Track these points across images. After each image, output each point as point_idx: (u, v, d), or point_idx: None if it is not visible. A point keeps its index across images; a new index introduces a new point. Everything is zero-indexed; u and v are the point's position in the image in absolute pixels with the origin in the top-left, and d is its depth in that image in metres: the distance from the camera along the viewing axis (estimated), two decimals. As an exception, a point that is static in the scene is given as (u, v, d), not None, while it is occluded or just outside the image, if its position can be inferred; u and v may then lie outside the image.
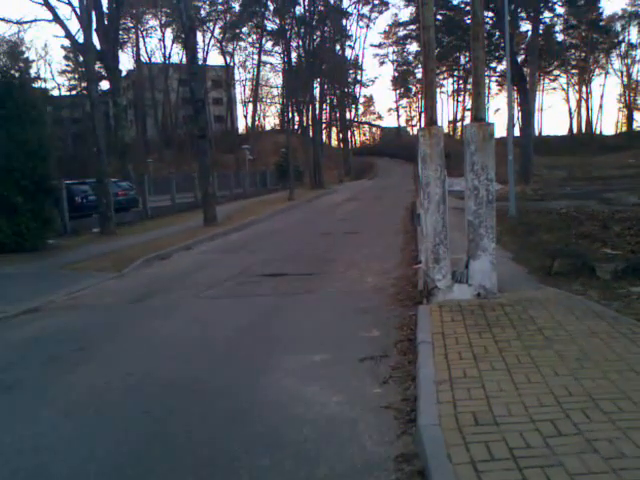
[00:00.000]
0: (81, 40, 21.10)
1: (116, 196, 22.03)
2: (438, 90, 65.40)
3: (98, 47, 24.99)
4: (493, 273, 7.38)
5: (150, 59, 72.92)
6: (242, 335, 6.95)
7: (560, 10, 47.67)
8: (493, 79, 65.47)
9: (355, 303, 8.09)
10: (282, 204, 29.21)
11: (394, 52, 79.28)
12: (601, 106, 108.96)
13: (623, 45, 72.22)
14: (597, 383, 4.43)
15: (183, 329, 7.47)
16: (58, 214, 17.35)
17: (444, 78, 73.33)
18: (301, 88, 46.19)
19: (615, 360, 4.89)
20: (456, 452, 3.53)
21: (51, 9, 22.28)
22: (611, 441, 3.53)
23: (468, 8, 40.20)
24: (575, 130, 77.59)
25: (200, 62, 47.37)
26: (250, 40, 66.26)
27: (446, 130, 64.73)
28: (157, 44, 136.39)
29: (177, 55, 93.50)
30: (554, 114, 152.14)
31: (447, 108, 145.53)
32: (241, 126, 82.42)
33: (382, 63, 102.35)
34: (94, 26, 22.35)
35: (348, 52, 68.24)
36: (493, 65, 49.87)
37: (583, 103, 78.37)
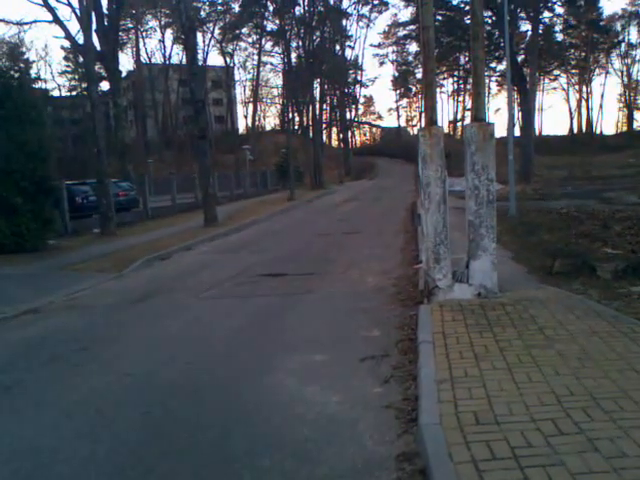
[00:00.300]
0: (81, 41, 21.10)
1: (116, 196, 22.03)
2: (438, 90, 65.55)
3: (98, 48, 24.99)
4: (494, 273, 7.38)
5: (150, 60, 72.99)
6: (242, 335, 6.95)
7: (560, 10, 47.72)
8: (493, 79, 65.54)
9: (356, 303, 8.09)
10: (282, 204, 29.22)
11: (394, 52, 79.28)
12: (601, 106, 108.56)
13: (623, 45, 72.25)
14: (598, 382, 4.43)
15: (184, 329, 7.46)
16: (58, 215, 17.36)
17: (444, 78, 73.31)
18: (301, 88, 46.19)
19: (616, 359, 4.89)
20: (457, 451, 3.53)
21: (51, 10, 22.26)
22: (612, 440, 3.52)
23: (468, 8, 40.19)
24: (575, 130, 77.57)
25: (200, 63, 47.42)
26: (250, 40, 66.34)
27: (446, 130, 64.60)
28: (157, 45, 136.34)
29: (177, 56, 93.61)
30: (554, 114, 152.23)
31: (447, 108, 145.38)
32: (241, 126, 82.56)
33: (382, 63, 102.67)
34: (94, 27, 22.36)
35: (348, 52, 68.35)
36: (493, 65, 49.95)
37: (583, 103, 78.35)
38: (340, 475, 3.62)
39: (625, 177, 32.02)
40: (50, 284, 10.86)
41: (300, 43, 47.39)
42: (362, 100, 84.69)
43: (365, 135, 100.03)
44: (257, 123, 79.51)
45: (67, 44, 54.23)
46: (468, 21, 40.53)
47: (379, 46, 78.16)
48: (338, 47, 61.06)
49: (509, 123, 19.95)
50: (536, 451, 3.47)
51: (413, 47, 72.32)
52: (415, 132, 79.08)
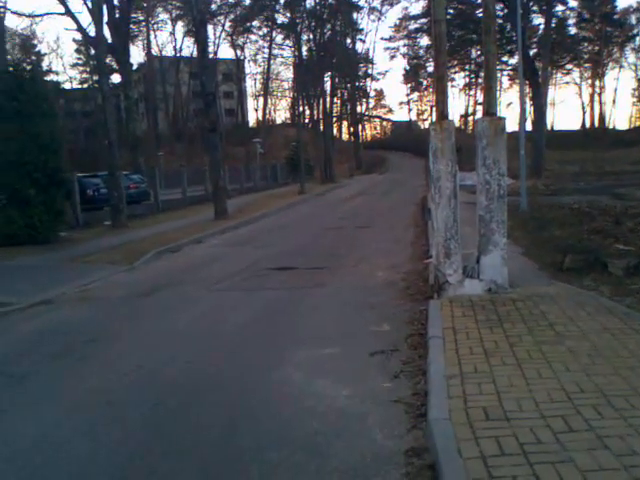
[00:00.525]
0: (92, 33, 21.17)
1: (127, 189, 22.10)
2: (449, 84, 65.22)
3: (109, 40, 25.09)
4: (504, 268, 7.35)
5: (161, 52, 73.19)
6: (252, 328, 6.98)
7: (573, 3, 47.36)
8: (505, 73, 64.93)
9: (365, 297, 8.10)
10: (292, 198, 29.24)
11: (405, 46, 78.73)
12: (614, 100, 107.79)
13: (637, 38, 71.36)
14: (609, 379, 4.41)
15: (193, 322, 7.51)
16: (70, 207, 17.47)
17: (455, 72, 72.75)
18: (312, 82, 46.10)
19: (627, 356, 4.87)
20: (466, 447, 3.53)
21: (63, 2, 22.38)
22: (622, 438, 3.51)
23: (480, 1, 39.96)
24: (588, 124, 76.91)
25: (211, 55, 47.36)
26: (261, 33, 66.26)
27: (457, 124, 64.38)
28: (168, 37, 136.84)
29: (188, 48, 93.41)
30: (566, 108, 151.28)
31: (458, 102, 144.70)
32: (252, 119, 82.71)
33: (393, 57, 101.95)
34: (105, 19, 22.45)
35: (359, 46, 68.07)
36: (505, 59, 49.42)
37: (596, 97, 77.51)
38: (350, 469, 3.63)
39: (638, 173, 31.72)
40: (62, 276, 10.94)
41: (311, 36, 47.35)
42: (373, 94, 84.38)
43: (376, 129, 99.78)
44: (267, 116, 79.55)
45: (79, 36, 54.57)
46: (480, 14, 40.28)
47: (390, 39, 77.69)
48: (349, 40, 60.90)
49: (521, 117, 19.89)
50: (545, 448, 3.47)
51: (424, 41, 71.75)
52: (426, 126, 78.74)
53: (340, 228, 16.42)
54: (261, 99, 78.16)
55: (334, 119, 61.53)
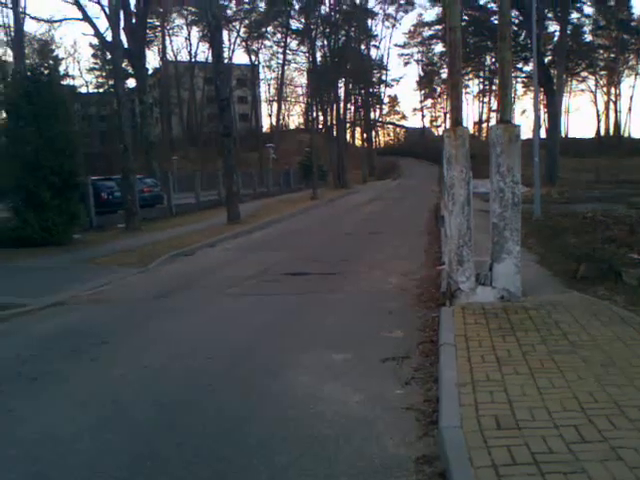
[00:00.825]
0: (109, 38, 21.44)
1: (141, 193, 22.25)
2: (463, 91, 65.00)
3: (126, 45, 25.32)
4: (517, 276, 7.31)
5: (176, 57, 73.75)
6: (263, 332, 6.99)
7: (589, 10, 47.11)
8: (519, 80, 64.75)
9: (377, 303, 8.09)
10: (305, 203, 29.28)
11: (419, 52, 79.02)
12: (630, 108, 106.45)
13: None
14: (623, 390, 4.37)
15: (205, 325, 7.54)
16: (84, 209, 17.57)
17: (469, 79, 72.81)
18: (326, 87, 46.20)
19: (641, 367, 4.82)
20: (478, 455, 3.51)
21: (81, 8, 22.72)
22: (637, 450, 3.47)
23: (495, 8, 39.91)
24: (603, 132, 76.33)
25: (226, 61, 47.64)
26: (275, 39, 66.58)
27: (471, 131, 64.17)
28: (183, 42, 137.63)
29: (203, 54, 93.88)
30: (581, 116, 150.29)
31: (472, 109, 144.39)
32: (265, 125, 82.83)
33: (407, 63, 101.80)
34: (122, 25, 22.68)
35: (373, 52, 68.20)
36: (519, 66, 49.30)
37: (611, 105, 76.94)
38: (359, 475, 3.62)
39: (654, 181, 31.43)
40: (76, 277, 11.02)
41: (325, 42, 47.42)
42: (386, 100, 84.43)
43: (389, 135, 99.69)
44: (281, 122, 79.87)
45: (96, 41, 55.08)
46: (495, 21, 40.22)
47: (404, 46, 78.01)
48: (363, 47, 60.94)
49: (535, 125, 19.73)
50: (558, 457, 3.44)
51: (438, 47, 72.04)
52: (439, 133, 78.64)
53: (353, 234, 16.42)
54: (275, 104, 78.67)
55: (347, 125, 61.60)
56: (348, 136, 66.86)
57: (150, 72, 56.83)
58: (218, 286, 9.89)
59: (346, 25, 50.08)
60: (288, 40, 63.70)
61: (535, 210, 16.20)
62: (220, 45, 23.31)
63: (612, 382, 4.53)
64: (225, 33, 59.09)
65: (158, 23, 65.92)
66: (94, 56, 71.27)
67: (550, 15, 39.12)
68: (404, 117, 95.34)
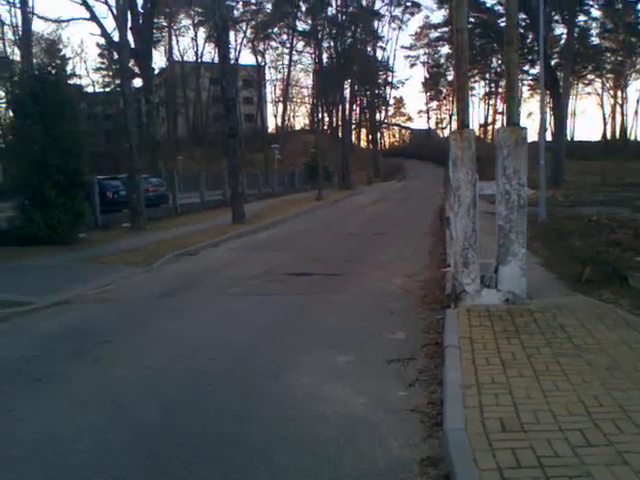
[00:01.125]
0: (116, 38, 21.51)
1: (146, 192, 22.26)
2: (469, 93, 64.93)
3: (132, 45, 25.38)
4: (522, 279, 7.29)
5: (182, 58, 73.80)
6: (266, 333, 6.99)
7: (596, 13, 47.00)
8: (525, 83, 64.63)
9: (382, 304, 8.08)
10: (310, 204, 29.28)
11: (425, 54, 78.98)
12: (637, 111, 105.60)
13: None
14: (628, 394, 4.35)
15: (208, 324, 7.54)
16: (89, 208, 17.61)
17: (475, 81, 72.70)
18: (331, 88, 46.21)
19: (647, 371, 4.80)
20: (482, 458, 3.50)
21: (89, 8, 22.76)
22: (642, 453, 3.46)
23: (502, 10, 39.86)
24: (609, 136, 76.07)
25: (232, 61, 47.70)
26: (281, 40, 66.65)
27: (477, 133, 64.12)
28: (190, 43, 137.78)
29: (209, 54, 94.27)
30: (587, 119, 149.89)
31: (478, 111, 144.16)
32: (271, 125, 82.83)
33: (413, 65, 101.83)
34: (129, 25, 22.71)
35: (379, 53, 68.14)
36: (525, 68, 49.29)
37: (618, 108, 76.68)
38: (363, 476, 3.61)
39: (660, 185, 31.30)
40: (81, 276, 11.04)
41: (331, 43, 47.43)
42: (392, 101, 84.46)
43: (394, 136, 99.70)
44: (286, 122, 79.88)
45: (103, 41, 55.29)
46: (502, 24, 40.17)
47: (410, 48, 77.95)
48: (369, 48, 60.95)
49: (541, 128, 19.68)
50: (563, 461, 3.42)
51: (445, 49, 72.08)
52: (445, 134, 78.62)
53: (357, 235, 16.41)
54: (280, 105, 78.65)
55: (353, 126, 61.62)
56: (353, 137, 66.93)
57: (156, 72, 57.05)
58: (221, 286, 9.89)
59: (352, 27, 50.10)
60: (294, 41, 63.88)
61: (540, 213, 16.15)
62: (226, 46, 23.35)
63: (617, 386, 4.51)
64: (231, 34, 59.22)
65: (165, 23, 66.09)
66: (101, 56, 71.51)
67: (557, 18, 39.02)
68: (410, 119, 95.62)
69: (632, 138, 74.82)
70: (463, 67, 7.73)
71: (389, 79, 71.96)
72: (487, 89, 78.59)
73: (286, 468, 3.77)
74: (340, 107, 49.49)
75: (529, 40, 40.21)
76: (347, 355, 5.93)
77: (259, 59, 70.90)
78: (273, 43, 68.52)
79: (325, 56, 47.56)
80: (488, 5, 43.96)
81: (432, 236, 15.33)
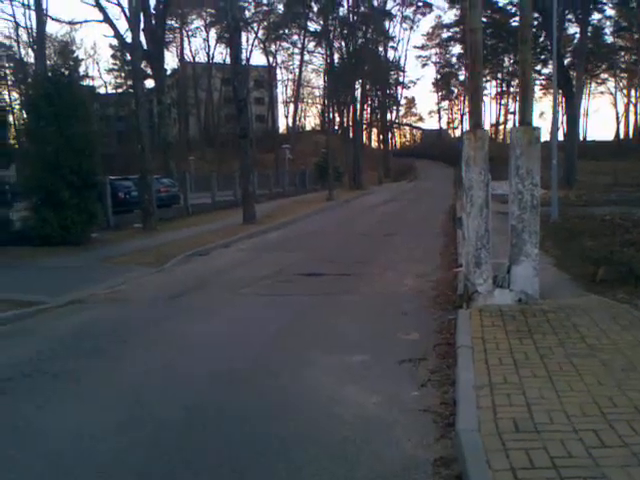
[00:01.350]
0: (129, 39, 21.57)
1: (158, 192, 22.36)
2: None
3: (145, 46, 25.49)
4: (535, 279, 7.26)
5: (194, 58, 74.14)
6: (278, 334, 7.00)
7: (610, 12, 46.64)
8: (537, 82, 64.20)
9: (393, 305, 8.06)
10: (321, 204, 29.28)
11: (437, 54, 78.73)
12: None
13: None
14: (643, 395, 4.31)
15: (220, 325, 7.57)
16: (102, 209, 17.71)
17: (487, 80, 72.22)
18: (342, 89, 46.17)
19: (662, 372, 4.75)
20: (496, 458, 3.48)
21: (102, 10, 22.91)
22: (658, 455, 3.43)
23: (514, 10, 39.65)
24: (622, 135, 75.44)
25: (243, 62, 47.82)
26: (292, 40, 66.68)
27: (489, 133, 63.78)
28: (201, 44, 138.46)
29: (220, 55, 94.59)
30: (600, 119, 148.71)
31: (489, 111, 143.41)
32: (282, 126, 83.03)
33: (424, 65, 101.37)
34: (142, 26, 22.81)
35: (391, 53, 67.96)
36: (538, 68, 49.00)
37: (631, 107, 76.06)
38: (378, 476, 3.62)
39: (674, 185, 30.97)
40: (93, 276, 11.11)
41: (343, 44, 47.41)
42: (403, 101, 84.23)
43: (405, 137, 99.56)
44: (297, 123, 79.94)
45: (115, 42, 55.63)
46: (514, 23, 39.99)
47: (422, 48, 77.81)
48: (381, 48, 60.83)
49: (553, 127, 19.58)
50: (577, 462, 3.40)
51: (456, 49, 71.78)
52: (456, 135, 78.37)
53: (368, 235, 16.38)
54: (291, 105, 78.75)
55: (364, 126, 61.51)
56: (364, 137, 66.78)
57: (168, 73, 57.40)
58: (232, 286, 9.91)
59: (364, 27, 50.02)
60: (305, 41, 63.83)
61: (553, 213, 16.05)
62: (238, 46, 23.35)
63: (633, 387, 4.47)
64: (243, 34, 59.30)
65: (177, 25, 66.38)
66: (113, 57, 72.11)
67: (570, 17, 38.72)
68: (421, 119, 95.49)
69: (646, 138, 74.08)
70: (477, 67, 7.68)
71: (400, 79, 71.94)
72: (499, 89, 78.30)
73: (300, 468, 3.78)
74: (351, 107, 49.43)
75: (541, 39, 39.96)
76: (361, 355, 5.93)
77: (270, 59, 70.99)
78: (284, 44, 68.55)
79: (336, 56, 47.58)
80: (500, 5, 43.77)
81: (443, 236, 15.28)
